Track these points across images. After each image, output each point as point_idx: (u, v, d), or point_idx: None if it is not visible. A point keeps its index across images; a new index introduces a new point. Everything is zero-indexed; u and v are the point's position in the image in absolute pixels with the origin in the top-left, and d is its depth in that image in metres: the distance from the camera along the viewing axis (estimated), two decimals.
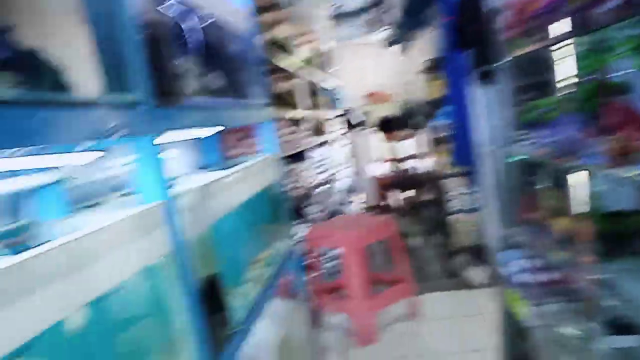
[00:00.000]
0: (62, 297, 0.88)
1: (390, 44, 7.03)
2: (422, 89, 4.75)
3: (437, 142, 4.21)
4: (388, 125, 6.57)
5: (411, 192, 5.88)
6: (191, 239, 1.39)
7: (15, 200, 1.21)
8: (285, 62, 3.60)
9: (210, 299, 1.45)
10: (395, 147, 6.45)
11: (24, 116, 0.84)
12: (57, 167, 1.28)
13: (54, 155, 1.16)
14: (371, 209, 5.87)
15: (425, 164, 5.31)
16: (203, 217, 1.53)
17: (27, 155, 1.03)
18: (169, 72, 1.39)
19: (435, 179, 4.36)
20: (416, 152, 6.32)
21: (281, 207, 2.66)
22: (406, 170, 6.10)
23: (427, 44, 4.37)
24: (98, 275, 0.98)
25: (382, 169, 6.52)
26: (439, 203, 4.16)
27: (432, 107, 4.21)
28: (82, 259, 0.94)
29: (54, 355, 0.89)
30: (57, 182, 1.27)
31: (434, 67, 4.01)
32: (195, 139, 2.47)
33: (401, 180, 6.05)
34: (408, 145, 6.43)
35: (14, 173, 1.19)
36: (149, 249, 1.17)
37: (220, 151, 2.73)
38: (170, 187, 1.30)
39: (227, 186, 1.81)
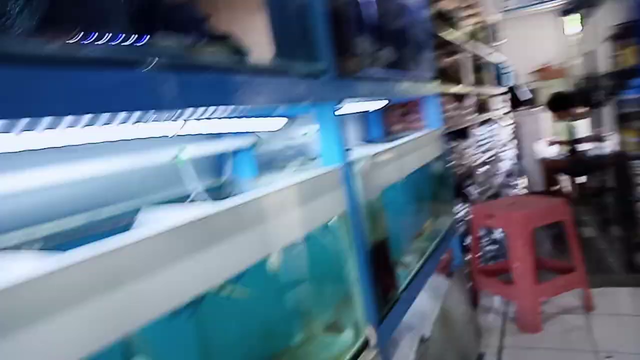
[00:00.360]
0: (255, 242, 1.00)
1: (566, 12, 6.35)
2: (606, 60, 4.21)
3: (624, 119, 3.72)
4: (559, 103, 5.97)
5: (585, 177, 5.31)
6: (363, 204, 1.46)
7: (220, 160, 1.40)
8: (450, 35, 3.49)
9: (379, 262, 1.51)
10: (567, 126, 5.85)
11: (224, 80, 0.96)
12: (251, 133, 1.44)
13: (249, 120, 1.31)
14: (537, 194, 5.44)
15: (605, 145, 4.73)
16: (374, 184, 1.59)
17: (230, 118, 1.18)
18: (348, 44, 1.46)
19: (619, 162, 3.86)
20: (593, 131, 5.66)
21: (444, 183, 2.63)
22: (580, 153, 5.50)
23: (611, 8, 3.86)
24: (285, 227, 1.09)
25: (551, 151, 5.98)
26: (623, 190, 3.69)
27: (619, 79, 3.72)
28: (272, 212, 1.05)
29: (255, 288, 1.03)
30: (251, 146, 1.44)
31: (624, 33, 3.52)
32: (361, 113, 2.55)
33: (573, 164, 5.47)
34: (583, 125, 5.78)
35: (219, 136, 1.37)
36: (327, 208, 1.27)
37: (384, 126, 2.78)
38: (347, 153, 1.38)
39: (395, 157, 1.85)
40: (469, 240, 3.04)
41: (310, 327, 1.25)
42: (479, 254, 3.04)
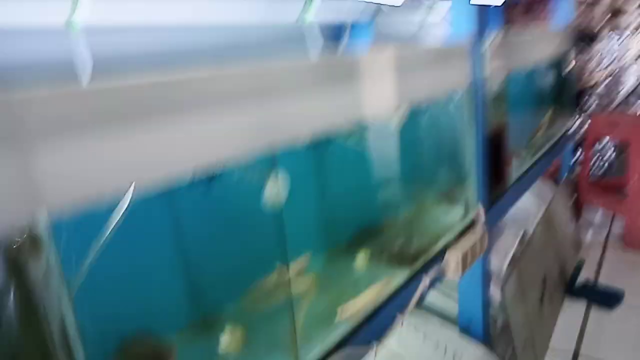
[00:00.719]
0: (376, 96, 1.00)
1: None
2: None
3: None
4: None
5: None
6: (486, 86, 1.40)
7: (339, 29, 1.39)
8: None
9: (495, 148, 1.47)
10: None
11: None
12: (374, 3, 1.40)
13: None
14: None
15: None
16: (497, 68, 1.51)
17: None
18: None
19: None
20: None
21: (564, 88, 2.44)
22: None
23: None
24: (408, 88, 1.07)
25: None
26: None
27: None
28: (395, 71, 1.03)
29: (376, 146, 1.06)
30: (372, 17, 1.40)
31: None
32: (483, 6, 2.38)
33: None
34: None
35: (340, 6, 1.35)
36: (452, 79, 1.23)
37: (506, 22, 2.59)
38: (475, 30, 1.31)
39: (520, 45, 1.73)
40: (579, 153, 2.85)
41: (424, 197, 1.27)
42: (590, 168, 2.86)
